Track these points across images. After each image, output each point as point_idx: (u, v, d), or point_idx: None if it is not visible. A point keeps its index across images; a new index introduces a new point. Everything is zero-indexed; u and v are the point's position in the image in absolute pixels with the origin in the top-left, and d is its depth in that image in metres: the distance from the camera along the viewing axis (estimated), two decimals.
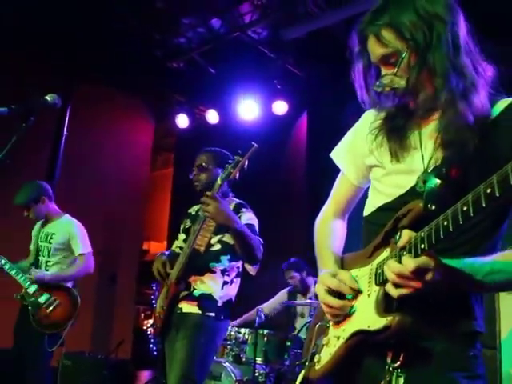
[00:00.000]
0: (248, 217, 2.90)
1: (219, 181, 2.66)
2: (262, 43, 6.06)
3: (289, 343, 4.21)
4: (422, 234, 1.15)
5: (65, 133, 6.36)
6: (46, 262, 3.93)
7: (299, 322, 4.88)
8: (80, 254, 3.93)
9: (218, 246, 2.93)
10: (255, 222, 2.95)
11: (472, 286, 1.25)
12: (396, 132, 1.41)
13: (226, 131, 7.13)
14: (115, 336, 6.90)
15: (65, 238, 3.95)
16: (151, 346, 9.70)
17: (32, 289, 3.81)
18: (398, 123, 1.41)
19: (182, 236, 3.21)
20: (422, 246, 1.14)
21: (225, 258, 2.93)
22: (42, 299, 3.78)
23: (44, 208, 3.98)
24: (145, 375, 7.47)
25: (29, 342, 3.72)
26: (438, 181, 1.28)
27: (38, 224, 4.10)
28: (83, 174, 6.80)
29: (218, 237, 2.94)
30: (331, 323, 1.40)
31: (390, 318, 1.17)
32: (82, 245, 3.95)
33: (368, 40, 1.38)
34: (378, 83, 1.37)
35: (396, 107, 1.41)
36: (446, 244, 1.15)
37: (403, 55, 1.32)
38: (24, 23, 5.63)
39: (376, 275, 1.29)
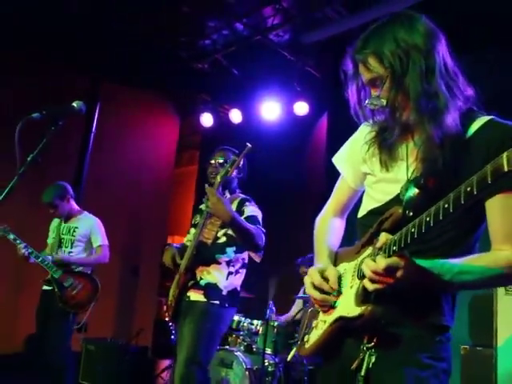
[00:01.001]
0: (251, 209, 3.13)
1: (219, 178, 2.91)
2: (283, 46, 6.24)
3: (297, 335, 4.39)
4: (395, 238, 1.33)
5: (93, 131, 6.66)
6: (69, 252, 4.36)
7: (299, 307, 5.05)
8: (98, 246, 4.40)
9: (223, 239, 3.16)
10: (258, 213, 3.17)
11: (441, 285, 1.41)
12: (386, 144, 1.58)
13: (249, 130, 7.31)
14: (136, 325, 7.19)
15: (86, 232, 4.41)
16: (172, 337, 10.03)
17: (57, 274, 4.19)
18: (388, 136, 1.58)
19: (192, 230, 3.42)
20: (394, 248, 1.32)
21: (230, 250, 3.16)
22: (67, 283, 4.19)
23: (67, 206, 4.44)
24: (164, 364, 7.76)
25: (54, 322, 4.10)
26: (416, 190, 1.45)
27: (57, 220, 4.53)
28: (110, 171, 7.10)
29: (224, 230, 3.17)
30: (320, 309, 1.60)
31: (363, 308, 1.37)
32: (100, 237, 4.42)
33: (359, 64, 1.56)
34: (366, 101, 1.54)
35: (387, 122, 1.58)
36: (419, 247, 1.33)
37: (384, 80, 1.49)
38: (51, 24, 5.89)
39: (358, 270, 1.48)
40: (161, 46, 6.59)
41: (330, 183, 6.37)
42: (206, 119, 7.78)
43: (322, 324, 1.56)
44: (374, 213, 1.62)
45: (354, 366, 1.43)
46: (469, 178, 1.15)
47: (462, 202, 1.13)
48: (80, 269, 4.33)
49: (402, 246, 1.30)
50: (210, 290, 3.06)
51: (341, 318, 1.46)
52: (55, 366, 4.02)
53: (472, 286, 1.49)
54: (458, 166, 1.43)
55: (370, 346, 1.43)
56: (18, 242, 4.20)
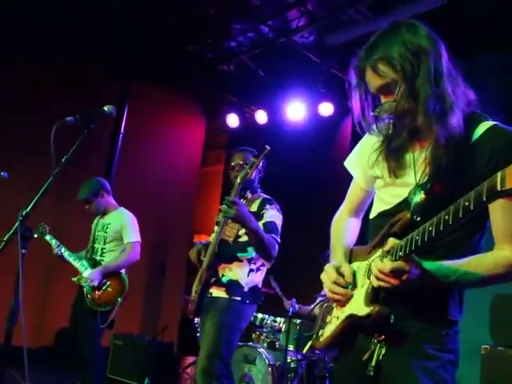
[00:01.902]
0: (271, 214, 3.18)
1: (238, 179, 2.97)
2: (308, 48, 6.31)
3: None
4: (402, 243, 1.41)
5: (122, 131, 6.84)
6: (102, 249, 4.35)
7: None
8: (128, 243, 4.30)
9: (245, 238, 3.21)
10: (278, 218, 3.21)
11: (448, 285, 1.49)
12: (393, 153, 1.64)
13: (274, 131, 7.40)
14: (162, 321, 7.34)
15: (118, 228, 4.35)
16: (197, 334, 10.17)
17: (87, 273, 4.25)
18: (396, 144, 1.63)
19: (216, 228, 3.46)
20: (400, 253, 1.40)
21: (251, 248, 3.21)
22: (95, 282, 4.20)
23: (103, 202, 4.40)
24: (189, 360, 7.90)
25: (83, 320, 4.18)
26: (423, 195, 1.52)
27: (97, 218, 4.52)
28: (138, 170, 7.26)
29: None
30: (335, 305, 1.69)
31: (371, 308, 1.46)
32: (131, 234, 4.33)
33: (366, 72, 1.60)
34: (378, 109, 1.59)
35: (393, 130, 1.63)
36: (425, 249, 1.39)
37: (398, 84, 1.53)
38: (81, 25, 6.05)
39: (368, 270, 1.56)
40: (188, 48, 6.73)
41: None
42: (232, 120, 7.90)
43: (335, 320, 1.64)
44: (383, 215, 1.70)
45: (366, 357, 1.51)
46: (472, 183, 1.24)
47: (461, 216, 1.22)
48: None
49: (407, 251, 1.37)
50: (232, 286, 3.15)
51: (351, 316, 1.54)
52: (85, 362, 4.09)
53: (477, 285, 1.55)
54: (462, 169, 1.50)
55: (379, 339, 1.51)
56: (53, 242, 4.29)
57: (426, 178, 1.56)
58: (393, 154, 1.63)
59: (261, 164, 2.97)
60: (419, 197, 1.52)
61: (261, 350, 4.46)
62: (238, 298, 3.13)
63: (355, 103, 1.68)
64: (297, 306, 4.50)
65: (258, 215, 3.18)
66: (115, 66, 6.73)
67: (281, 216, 3.25)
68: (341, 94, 6.92)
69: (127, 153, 6.98)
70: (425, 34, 1.56)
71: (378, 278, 1.42)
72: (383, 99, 1.59)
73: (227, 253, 3.16)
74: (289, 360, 4.35)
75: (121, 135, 6.83)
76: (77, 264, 4.29)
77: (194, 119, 8.39)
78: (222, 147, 10.67)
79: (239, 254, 3.20)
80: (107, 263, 4.29)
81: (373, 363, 1.49)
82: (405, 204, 1.59)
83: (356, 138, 6.91)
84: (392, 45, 1.54)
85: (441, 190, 1.51)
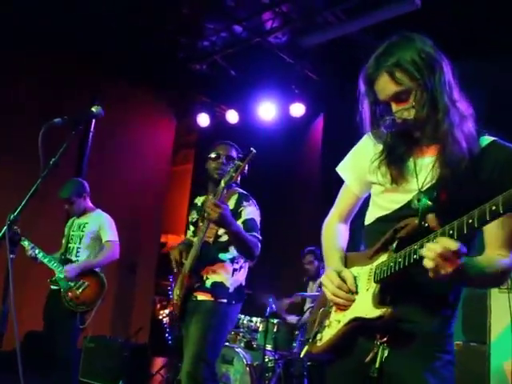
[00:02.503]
0: (249, 211, 3.09)
1: (223, 183, 2.82)
2: (282, 49, 6.35)
3: (297, 332, 4.52)
4: (415, 247, 1.43)
5: (92, 130, 6.72)
6: (77, 248, 4.28)
7: (307, 305, 5.18)
8: (107, 241, 4.28)
9: (225, 237, 3.10)
10: (256, 215, 3.12)
11: (465, 282, 1.53)
12: (396, 160, 1.67)
13: (245, 131, 7.42)
14: (133, 323, 7.27)
15: (96, 227, 4.32)
16: (166, 335, 10.09)
17: (63, 274, 4.15)
18: (398, 152, 1.66)
19: (191, 227, 3.38)
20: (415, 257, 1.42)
21: (232, 248, 3.13)
22: (71, 282, 4.13)
23: (84, 203, 4.38)
24: (159, 361, 7.84)
25: (61, 321, 4.08)
26: (429, 202, 1.56)
27: (72, 219, 4.47)
28: (108, 169, 7.15)
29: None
30: (333, 309, 1.70)
31: (383, 310, 1.48)
32: (110, 233, 4.31)
33: (378, 80, 1.60)
34: (391, 116, 1.59)
35: (396, 138, 1.66)
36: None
37: (415, 92, 1.55)
38: (53, 24, 5.95)
39: (375, 274, 1.58)
40: (160, 47, 6.67)
41: (326, 183, 6.50)
42: (203, 119, 7.89)
43: (335, 323, 1.65)
44: (382, 220, 1.72)
45: (368, 359, 1.54)
46: (476, 194, 1.36)
47: (465, 232, 1.32)
48: None
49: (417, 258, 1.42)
50: (217, 288, 3.07)
51: (357, 319, 1.56)
52: (62, 364, 4.01)
53: (479, 283, 1.60)
54: (465, 180, 1.54)
55: (382, 341, 1.54)
56: (26, 243, 4.19)
57: (430, 184, 1.60)
58: (396, 161, 1.66)
59: (246, 168, 2.86)
60: (426, 203, 1.55)
61: (238, 349, 4.47)
62: (224, 300, 3.08)
63: (364, 111, 1.70)
64: (274, 306, 4.54)
65: (236, 213, 3.08)
66: (87, 65, 6.61)
67: (258, 211, 3.16)
68: (313, 95, 7.01)
69: (97, 152, 6.87)
70: (431, 44, 1.61)
71: (435, 261, 1.34)
72: (396, 107, 1.60)
73: (209, 254, 3.07)
74: (266, 359, 4.38)
75: (91, 134, 6.71)
76: (52, 265, 4.20)
77: (165, 118, 8.33)
78: (190, 147, 10.62)
79: (221, 255, 3.13)
80: (86, 260, 4.24)
81: (377, 365, 1.52)
82: (406, 209, 1.62)
83: (327, 138, 6.99)
84: (407, 53, 1.56)
85: (447, 198, 1.55)
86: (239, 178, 3.33)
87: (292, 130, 7.29)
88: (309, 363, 4.42)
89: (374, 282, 1.58)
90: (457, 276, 1.38)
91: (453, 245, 1.33)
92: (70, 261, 4.25)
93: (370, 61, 1.63)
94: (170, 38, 6.65)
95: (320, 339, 1.68)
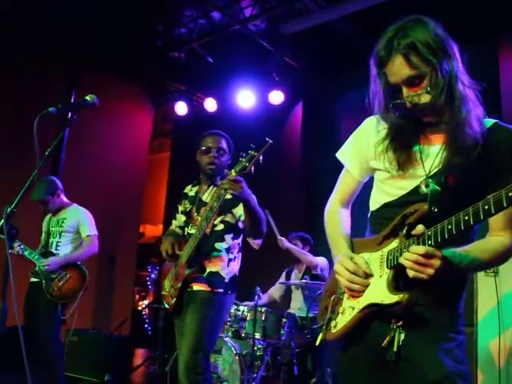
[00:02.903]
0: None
1: (233, 173, 2.71)
2: (261, 36, 6.30)
3: (284, 320, 4.53)
4: (430, 232, 1.45)
5: (74, 118, 6.55)
6: (57, 242, 4.28)
7: (294, 294, 5.21)
8: (87, 236, 4.31)
9: (221, 226, 3.12)
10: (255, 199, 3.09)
11: (459, 271, 1.55)
12: (402, 146, 1.66)
13: (224, 119, 7.35)
14: (114, 315, 7.19)
15: (74, 222, 4.33)
16: (146, 325, 10.03)
17: (45, 266, 4.10)
18: (404, 138, 1.65)
19: (182, 217, 3.34)
20: (430, 242, 1.45)
21: (228, 237, 3.14)
22: (54, 274, 4.13)
23: (58, 201, 4.37)
24: (140, 352, 7.80)
25: (42, 313, 4.07)
26: (437, 187, 1.57)
27: (49, 215, 4.45)
28: (85, 159, 7.01)
29: (221, 217, 3.13)
30: (346, 296, 1.70)
31: (401, 295, 1.48)
32: (88, 228, 4.34)
33: (391, 62, 1.56)
34: (402, 100, 1.58)
35: (404, 123, 1.64)
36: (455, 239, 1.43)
37: (429, 77, 1.53)
38: (26, 12, 5.81)
39: (388, 260, 1.58)
40: (137, 34, 6.54)
41: (305, 171, 6.49)
42: (180, 108, 7.79)
43: (349, 310, 1.65)
44: (388, 206, 1.72)
45: (385, 342, 1.55)
46: (484, 177, 1.47)
47: (471, 223, 1.37)
48: None
49: (439, 240, 1.43)
50: (213, 278, 3.06)
51: (372, 305, 1.56)
52: (45, 358, 3.96)
53: (479, 269, 1.66)
54: (475, 165, 1.56)
55: (398, 325, 1.55)
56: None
57: (437, 170, 1.61)
58: (402, 147, 1.66)
59: (261, 158, 2.70)
60: (434, 189, 1.56)
61: (226, 339, 4.45)
62: (221, 290, 3.06)
63: (374, 94, 1.68)
64: (261, 295, 4.53)
65: (235, 201, 3.06)
66: (63, 53, 6.44)
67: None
68: (292, 83, 7.00)
69: (75, 142, 6.71)
70: (442, 27, 1.59)
71: (413, 268, 1.45)
72: (407, 91, 1.58)
73: (205, 245, 3.07)
74: (255, 348, 4.38)
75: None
76: (33, 257, 4.19)
77: (142, 107, 8.20)
78: (166, 135, 10.51)
79: (217, 245, 3.12)
80: (66, 255, 4.25)
81: (394, 348, 1.53)
82: (413, 195, 1.63)
83: (306, 126, 7.00)
84: (422, 35, 1.54)
85: (455, 183, 1.56)
86: (226, 164, 3.32)
87: (271, 118, 7.26)
88: (297, 350, 4.45)
89: (388, 267, 1.57)
90: (445, 272, 1.45)
91: (420, 249, 1.43)
92: (51, 253, 4.23)
93: (382, 42, 1.60)
94: (148, 26, 6.53)
95: (334, 326, 1.68)
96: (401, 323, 1.55)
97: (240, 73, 6.92)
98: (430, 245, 1.45)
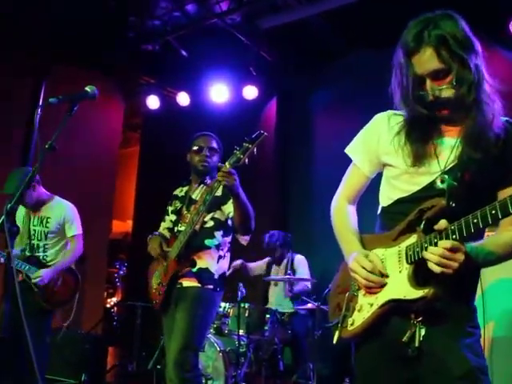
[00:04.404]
0: None
1: (228, 165, 2.74)
2: (237, 29, 6.23)
3: (268, 316, 4.53)
4: (453, 227, 1.46)
5: (38, 112, 6.34)
6: (44, 245, 3.97)
7: (273, 290, 5.21)
8: (72, 236, 4.00)
9: (211, 223, 3.13)
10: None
11: (475, 265, 1.57)
12: (421, 138, 1.66)
13: (197, 114, 7.28)
14: (86, 313, 7.01)
15: (60, 220, 3.99)
16: (114, 324, 9.85)
17: (33, 273, 3.83)
18: (421, 132, 1.65)
19: (170, 217, 3.36)
20: (454, 237, 1.45)
21: (218, 234, 3.14)
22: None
23: (35, 194, 3.96)
24: (112, 351, 7.65)
25: (33, 321, 3.79)
26: (454, 183, 1.58)
27: (23, 209, 4.03)
28: (55, 153, 6.79)
29: (211, 214, 3.13)
30: (361, 293, 1.68)
31: (426, 290, 1.48)
32: (75, 227, 4.02)
33: (419, 54, 1.56)
34: (426, 92, 1.58)
35: (421, 117, 1.64)
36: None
37: (456, 72, 1.54)
38: (26, 12, 5.65)
39: (407, 255, 1.57)
40: (109, 26, 6.37)
41: (279, 167, 6.48)
42: (152, 102, 7.65)
43: (367, 307, 1.64)
44: (401, 202, 1.72)
45: (406, 338, 1.55)
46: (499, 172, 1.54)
47: (499, 217, 1.39)
48: (55, 262, 3.97)
49: (465, 234, 1.43)
50: (203, 274, 3.05)
51: (393, 301, 1.56)
52: (31, 368, 3.71)
53: (493, 263, 1.67)
54: (492, 161, 1.58)
55: (418, 320, 1.56)
56: None
57: (453, 164, 1.62)
58: (420, 139, 1.66)
59: (255, 151, 2.80)
60: (451, 184, 1.57)
61: (209, 336, 4.42)
62: (211, 287, 3.05)
63: (398, 82, 1.66)
64: (244, 290, 4.51)
65: (225, 199, 3.08)
66: (33, 44, 6.21)
67: None
68: (266, 77, 6.97)
69: (44, 136, 6.49)
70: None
71: (440, 263, 1.45)
72: (431, 83, 1.58)
73: (195, 241, 3.05)
74: (238, 345, 4.36)
75: (37, 116, 6.32)
76: (25, 269, 3.85)
77: (113, 100, 7.98)
78: (134, 129, 10.31)
79: (207, 241, 3.11)
80: (56, 264, 3.94)
81: (416, 344, 1.53)
82: (428, 191, 1.64)
83: (281, 121, 7.01)
84: (451, 29, 1.55)
85: (470, 178, 1.58)
86: (218, 162, 3.31)
87: (245, 113, 7.21)
88: (281, 345, 4.45)
89: (408, 263, 1.57)
90: (465, 267, 1.47)
91: (447, 244, 1.44)
92: (38, 258, 3.95)
93: (411, 32, 1.59)
94: (120, 17, 6.37)
95: (352, 323, 1.67)
96: (421, 318, 1.55)
97: (214, 67, 6.84)
98: (454, 239, 1.45)
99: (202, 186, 3.29)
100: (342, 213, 1.91)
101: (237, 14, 6.06)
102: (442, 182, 1.60)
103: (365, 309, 1.65)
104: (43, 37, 6.15)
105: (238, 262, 5.01)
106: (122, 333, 8.89)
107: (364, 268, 1.63)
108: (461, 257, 1.45)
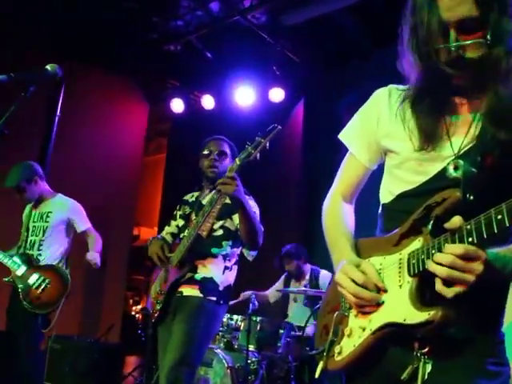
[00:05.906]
0: (251, 204, 2.84)
1: (238, 161, 2.57)
2: (261, 28, 5.97)
3: (282, 331, 4.18)
4: (469, 227, 1.09)
5: (58, 114, 6.22)
6: (40, 241, 3.83)
7: (292, 306, 4.86)
8: (84, 231, 3.94)
9: (220, 232, 2.92)
10: (257, 210, 2.91)
11: (501, 279, 1.21)
12: (430, 113, 1.30)
13: (222, 117, 7.06)
14: (104, 321, 6.83)
15: (64, 216, 3.89)
16: (139, 331, 9.68)
17: (21, 271, 3.73)
18: (436, 101, 1.30)
19: (178, 222, 3.17)
20: (470, 239, 1.09)
21: (227, 244, 2.93)
22: (31, 280, 3.70)
23: (37, 189, 3.88)
24: (132, 360, 7.43)
25: (21, 324, 3.65)
26: (473, 169, 1.21)
27: (29, 206, 3.98)
28: (75, 156, 6.68)
29: (221, 222, 2.92)
30: (352, 313, 1.34)
31: (432, 313, 1.11)
32: (85, 221, 3.96)
33: None
34: (452, 45, 1.20)
35: (434, 83, 1.29)
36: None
37: (493, 26, 1.16)
38: (26, 12, 5.55)
39: (409, 265, 1.22)
40: (132, 27, 6.22)
41: (307, 173, 6.14)
42: (176, 105, 7.45)
43: (359, 331, 1.28)
44: (405, 196, 1.37)
45: (406, 375, 1.18)
46: None
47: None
48: (47, 262, 3.81)
49: (485, 237, 1.06)
50: (207, 284, 2.81)
51: (390, 325, 1.20)
52: (24, 371, 3.56)
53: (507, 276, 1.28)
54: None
55: (423, 351, 1.19)
56: None
57: (470, 146, 1.26)
58: (431, 111, 1.29)
59: (267, 145, 2.55)
60: (468, 171, 1.20)
61: (218, 351, 4.10)
62: (214, 298, 2.80)
63: (415, 26, 1.27)
64: (256, 303, 4.18)
65: (233, 206, 2.81)
66: (53, 45, 6.11)
67: (258, 208, 2.93)
68: (293, 79, 6.66)
69: (64, 138, 6.37)
70: None
71: (449, 276, 1.10)
72: (456, 36, 1.20)
73: (201, 248, 2.81)
74: (249, 361, 4.02)
75: (56, 118, 6.20)
76: (7, 262, 3.74)
77: (137, 104, 7.86)
78: (163, 135, 10.17)
79: (214, 250, 2.87)
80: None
81: (418, 383, 1.16)
82: (438, 181, 1.28)
83: (308, 124, 6.63)
84: None
85: (494, 163, 1.21)
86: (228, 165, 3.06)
87: (272, 116, 6.90)
88: (295, 363, 4.09)
89: (410, 275, 1.21)
90: (487, 281, 1.11)
91: (458, 249, 1.08)
92: (28, 255, 3.79)
93: None
94: (142, 18, 6.20)
95: (339, 352, 1.31)
96: (426, 349, 1.18)
97: (239, 68, 6.59)
98: (470, 243, 1.09)
99: (213, 192, 3.04)
100: (335, 212, 1.57)
101: (261, 12, 5.79)
102: (456, 168, 1.22)
103: (355, 334, 1.29)
104: (66, 41, 6.05)
105: (248, 292, 4.61)
106: (145, 341, 8.72)
107: (354, 281, 1.28)
108: (479, 267, 1.09)
